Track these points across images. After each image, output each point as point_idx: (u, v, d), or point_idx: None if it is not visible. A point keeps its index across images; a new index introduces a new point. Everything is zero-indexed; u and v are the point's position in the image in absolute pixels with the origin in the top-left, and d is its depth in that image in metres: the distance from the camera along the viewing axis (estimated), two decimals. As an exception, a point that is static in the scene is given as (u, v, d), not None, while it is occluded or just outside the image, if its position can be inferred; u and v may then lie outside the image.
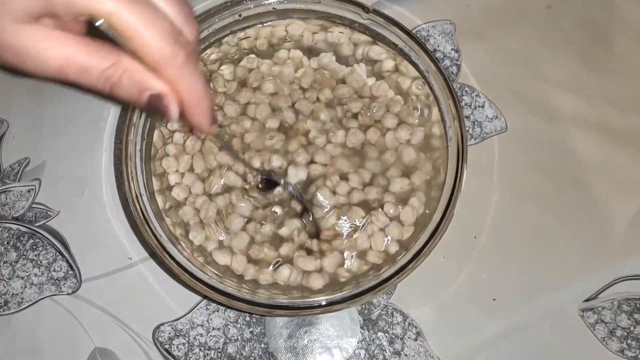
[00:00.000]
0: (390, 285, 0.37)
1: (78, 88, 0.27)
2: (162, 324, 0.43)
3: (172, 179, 0.41)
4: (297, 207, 0.40)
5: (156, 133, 0.42)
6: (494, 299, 0.43)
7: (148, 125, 0.41)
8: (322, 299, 0.37)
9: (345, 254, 0.39)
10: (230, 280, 0.39)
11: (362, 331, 0.43)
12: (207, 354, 0.42)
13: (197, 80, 0.27)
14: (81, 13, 0.24)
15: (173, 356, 0.42)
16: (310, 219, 0.40)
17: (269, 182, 0.40)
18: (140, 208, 0.38)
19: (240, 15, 0.42)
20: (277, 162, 0.40)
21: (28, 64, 0.26)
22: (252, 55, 0.44)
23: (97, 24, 0.25)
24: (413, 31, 0.43)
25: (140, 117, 0.40)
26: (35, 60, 0.25)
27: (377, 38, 0.43)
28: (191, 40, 0.28)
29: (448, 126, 0.40)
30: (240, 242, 0.40)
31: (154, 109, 0.27)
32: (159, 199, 0.41)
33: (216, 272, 0.39)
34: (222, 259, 0.39)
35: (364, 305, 0.43)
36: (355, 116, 0.42)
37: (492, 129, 0.47)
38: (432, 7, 0.49)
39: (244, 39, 0.44)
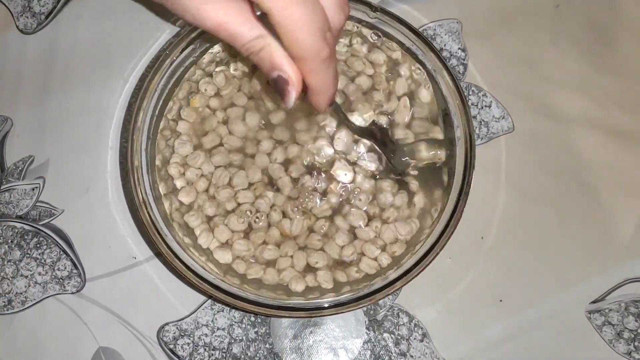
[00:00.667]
0: (397, 287, 0.36)
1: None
2: (167, 324, 0.43)
3: (178, 183, 0.41)
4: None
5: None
6: (500, 300, 0.43)
7: (153, 126, 0.41)
8: (328, 301, 0.37)
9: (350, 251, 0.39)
10: (234, 280, 0.39)
11: (368, 332, 0.43)
12: (212, 354, 0.42)
13: (331, 73, 0.29)
14: None
15: (177, 356, 0.42)
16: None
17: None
18: (147, 210, 0.38)
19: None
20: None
21: (187, 16, 0.28)
22: None
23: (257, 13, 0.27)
24: (419, 30, 0.43)
25: (145, 119, 0.39)
26: (194, 16, 0.28)
27: (384, 36, 0.43)
28: (338, 26, 0.29)
29: (456, 126, 0.40)
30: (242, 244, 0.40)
31: (277, 87, 0.29)
32: (165, 203, 0.41)
33: (218, 272, 0.39)
34: (222, 256, 0.39)
35: (369, 306, 0.43)
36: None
37: (499, 129, 0.46)
38: (438, 5, 0.48)
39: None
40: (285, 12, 0.26)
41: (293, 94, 0.29)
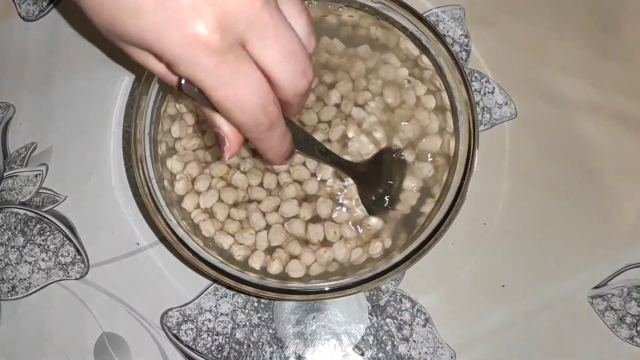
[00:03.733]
0: (400, 270, 0.37)
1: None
2: (170, 309, 0.43)
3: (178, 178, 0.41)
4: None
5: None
6: (503, 286, 0.43)
7: (156, 111, 0.41)
8: (330, 284, 0.37)
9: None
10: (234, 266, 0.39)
11: (371, 317, 0.43)
12: (216, 339, 0.42)
13: (275, 137, 0.28)
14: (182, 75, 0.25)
15: (181, 341, 0.42)
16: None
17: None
18: (151, 193, 0.38)
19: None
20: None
21: (136, 57, 0.27)
22: None
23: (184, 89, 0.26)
24: (423, 15, 0.43)
25: (148, 104, 0.39)
26: (143, 60, 0.27)
27: (387, 22, 0.42)
28: (311, 51, 0.28)
29: (459, 112, 0.40)
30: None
31: (216, 141, 0.29)
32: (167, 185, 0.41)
33: (219, 257, 0.39)
34: (223, 240, 0.40)
35: (372, 292, 0.43)
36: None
37: (502, 116, 0.46)
38: (442, -9, 0.48)
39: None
40: (219, 92, 0.25)
41: (227, 154, 0.29)
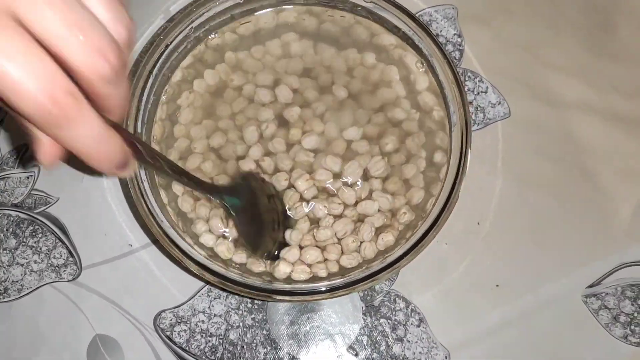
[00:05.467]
0: (394, 270, 0.36)
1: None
2: (164, 311, 0.43)
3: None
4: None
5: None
6: (497, 285, 0.43)
7: (148, 112, 0.41)
8: (325, 285, 0.37)
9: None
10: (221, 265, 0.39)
11: (365, 318, 0.43)
12: (209, 341, 0.42)
13: (86, 139, 0.23)
14: None
15: (174, 343, 0.42)
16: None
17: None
18: (142, 194, 0.37)
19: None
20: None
21: None
22: (259, 46, 0.43)
23: None
24: (416, 15, 0.43)
25: (139, 105, 0.39)
26: None
27: (380, 22, 0.42)
28: (124, 41, 0.23)
29: (452, 112, 0.40)
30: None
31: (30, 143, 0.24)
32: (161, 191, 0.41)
33: (206, 255, 0.39)
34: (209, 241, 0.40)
35: (366, 292, 0.43)
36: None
37: (495, 115, 0.46)
38: (434, -10, 0.48)
39: (244, 24, 0.44)
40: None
41: (42, 157, 0.24)
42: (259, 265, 0.39)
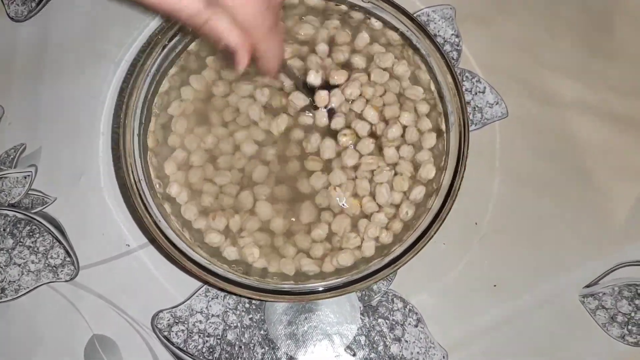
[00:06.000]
0: (391, 270, 0.36)
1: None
2: (161, 311, 0.43)
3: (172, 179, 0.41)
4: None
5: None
6: (494, 285, 0.43)
7: (145, 111, 0.40)
8: (322, 284, 0.37)
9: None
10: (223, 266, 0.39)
11: (362, 318, 0.43)
12: (207, 341, 0.42)
13: (275, 41, 0.32)
14: None
15: (172, 343, 0.42)
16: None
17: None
18: (140, 193, 0.37)
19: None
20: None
21: None
22: None
23: None
24: (414, 15, 0.43)
25: (137, 104, 0.39)
26: None
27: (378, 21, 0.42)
28: None
29: (450, 112, 0.40)
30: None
31: (226, 56, 0.31)
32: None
33: (208, 256, 0.39)
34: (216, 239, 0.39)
35: (364, 292, 0.43)
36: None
37: (493, 115, 0.46)
38: (432, -9, 0.48)
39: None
40: None
41: (242, 62, 0.31)
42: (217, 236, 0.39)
